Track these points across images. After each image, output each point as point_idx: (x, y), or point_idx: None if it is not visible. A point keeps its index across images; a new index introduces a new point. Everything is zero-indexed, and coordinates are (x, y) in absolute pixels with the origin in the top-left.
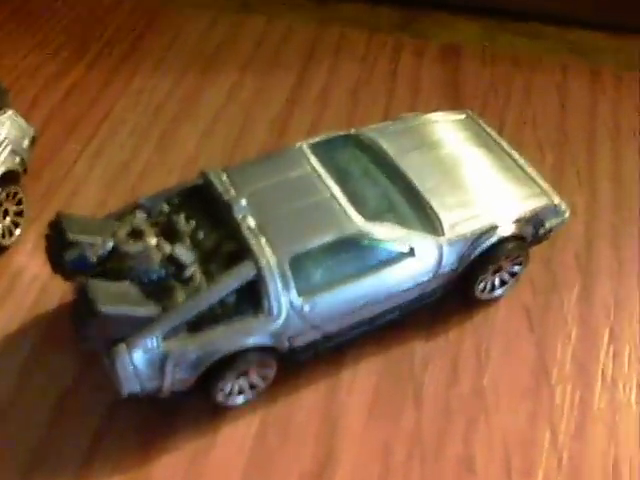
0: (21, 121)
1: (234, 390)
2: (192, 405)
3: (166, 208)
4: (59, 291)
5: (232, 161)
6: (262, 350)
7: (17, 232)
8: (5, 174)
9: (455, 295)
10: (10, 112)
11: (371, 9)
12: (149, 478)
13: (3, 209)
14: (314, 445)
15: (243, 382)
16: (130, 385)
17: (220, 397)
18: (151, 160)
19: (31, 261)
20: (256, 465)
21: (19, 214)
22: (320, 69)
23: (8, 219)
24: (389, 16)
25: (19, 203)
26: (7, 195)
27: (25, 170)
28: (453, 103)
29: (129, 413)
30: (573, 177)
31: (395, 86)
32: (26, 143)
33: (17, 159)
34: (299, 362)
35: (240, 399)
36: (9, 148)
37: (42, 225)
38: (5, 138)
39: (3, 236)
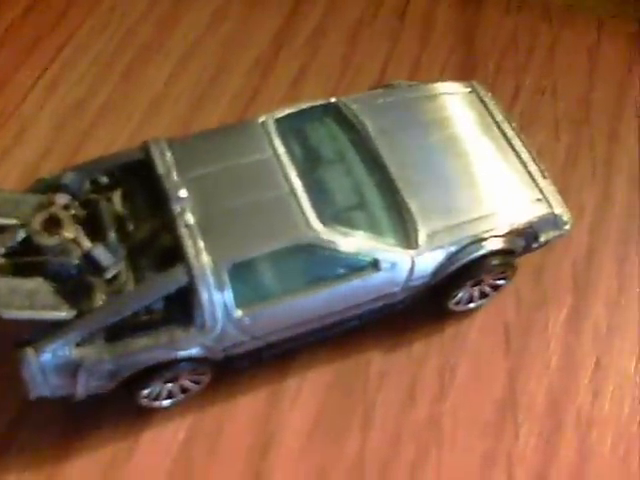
0: None
1: (162, 394)
2: (115, 403)
3: (103, 182)
4: None
5: (201, 108)
6: (193, 360)
7: None
8: None
9: (422, 306)
10: None
11: None
12: (63, 478)
13: None
14: (243, 462)
15: (172, 386)
16: (38, 389)
17: (145, 402)
18: (110, 99)
19: None
20: (178, 475)
21: None
22: (316, 2)
23: None
24: None
25: None
26: None
27: None
28: (465, 58)
29: (44, 409)
30: (587, 166)
31: (402, 30)
32: None
33: None
34: (239, 369)
35: (168, 402)
36: None
37: None
38: None
39: None
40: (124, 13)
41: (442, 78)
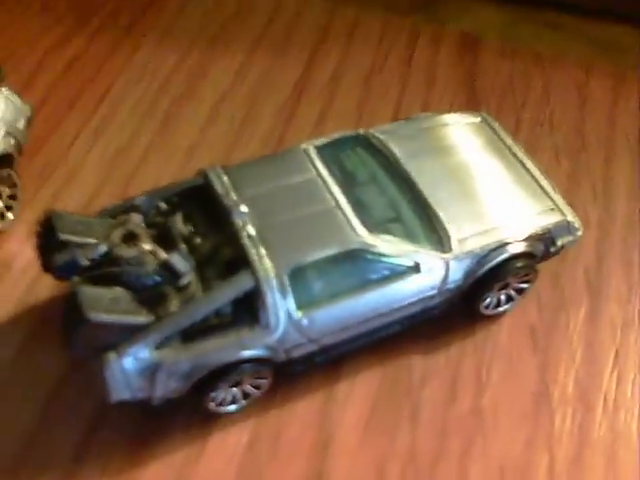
0: (16, 100)
1: (226, 399)
2: (184, 411)
3: (163, 208)
4: (51, 284)
5: (236, 148)
6: (257, 361)
7: (10, 216)
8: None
9: (458, 309)
10: (5, 90)
11: None
12: None
13: None
14: (305, 460)
15: (236, 391)
16: (119, 393)
17: (212, 406)
18: (152, 143)
19: (24, 247)
20: (245, 476)
21: (12, 197)
22: (332, 53)
23: (1, 203)
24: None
25: (13, 186)
26: (0, 177)
27: (20, 152)
28: (468, 98)
29: (120, 415)
30: (588, 189)
31: (409, 75)
32: (22, 124)
33: (12, 141)
34: (295, 373)
35: (232, 407)
36: (3, 130)
37: (36, 208)
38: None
39: None
40: (157, 67)
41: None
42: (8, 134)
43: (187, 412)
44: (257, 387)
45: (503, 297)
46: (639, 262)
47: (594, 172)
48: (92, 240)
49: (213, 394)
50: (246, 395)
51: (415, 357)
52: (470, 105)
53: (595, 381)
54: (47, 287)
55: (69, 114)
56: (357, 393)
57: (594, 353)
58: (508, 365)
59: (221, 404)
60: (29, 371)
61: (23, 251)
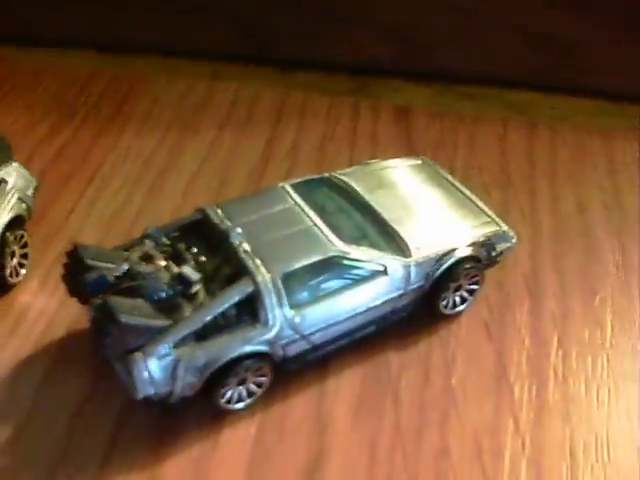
0: (25, 172)
1: (234, 397)
2: (196, 411)
3: (170, 238)
4: (65, 322)
5: None
6: (259, 357)
7: (23, 272)
8: (13, 219)
9: (422, 314)
10: (15, 164)
11: (328, 76)
12: (161, 474)
13: (11, 251)
14: (307, 444)
15: (242, 390)
16: (145, 389)
17: (222, 403)
18: (141, 208)
19: (36, 298)
20: (257, 462)
21: (24, 256)
22: (288, 128)
23: (15, 260)
24: (345, 82)
25: (24, 246)
26: (14, 238)
27: (30, 216)
28: (407, 153)
29: (140, 419)
30: (517, 213)
31: (356, 140)
32: (30, 191)
33: (23, 205)
34: (290, 371)
35: (240, 405)
36: (16, 196)
37: (44, 267)
38: (13, 187)
39: (10, 276)
40: (140, 148)
41: None
42: (20, 200)
43: (199, 412)
44: (259, 385)
45: (458, 299)
46: (568, 266)
47: (520, 200)
48: (112, 265)
49: (223, 390)
50: (250, 394)
51: (390, 353)
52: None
53: (544, 359)
54: (60, 328)
55: (65, 190)
56: (344, 387)
57: (540, 339)
58: (469, 354)
59: (229, 402)
60: (54, 394)
61: (35, 301)
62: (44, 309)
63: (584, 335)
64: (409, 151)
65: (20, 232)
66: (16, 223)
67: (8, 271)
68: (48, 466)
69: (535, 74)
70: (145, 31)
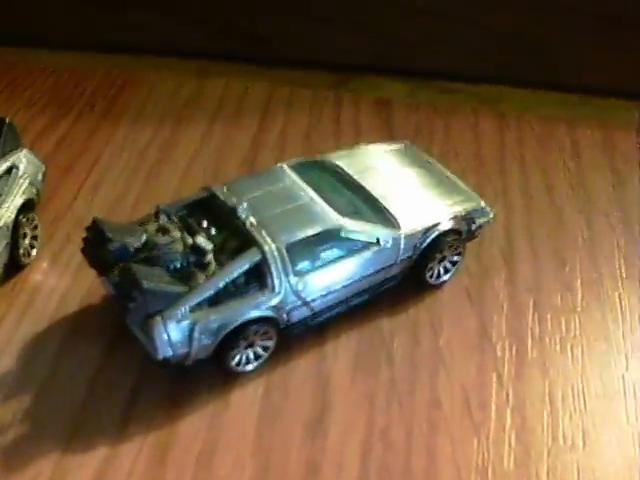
0: (34, 158)
1: (242, 360)
2: (208, 374)
3: (180, 214)
4: (77, 298)
5: None
6: (266, 321)
7: (34, 252)
8: (26, 202)
9: (410, 283)
10: (25, 150)
11: (311, 73)
12: (177, 432)
13: (23, 232)
14: (311, 400)
15: (250, 352)
16: (164, 350)
17: (233, 365)
18: (140, 195)
19: (48, 277)
20: (265, 418)
21: (34, 238)
22: (276, 120)
23: (27, 241)
24: (327, 78)
25: (35, 228)
26: (27, 220)
27: (39, 200)
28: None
29: (155, 384)
30: (491, 193)
31: (340, 130)
32: (40, 176)
33: (34, 189)
34: (293, 335)
35: (249, 367)
36: (28, 180)
37: (53, 247)
38: (24, 172)
39: (23, 256)
40: (135, 140)
41: None
42: (31, 184)
43: (211, 374)
44: (265, 348)
45: (442, 269)
46: (539, 239)
47: (493, 182)
48: (131, 237)
49: (233, 353)
50: (257, 357)
51: (383, 319)
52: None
53: (522, 321)
54: (73, 303)
55: (67, 179)
56: (342, 350)
57: (517, 303)
58: (454, 317)
59: (239, 364)
60: (70, 363)
61: (47, 279)
62: (55, 286)
63: (557, 300)
64: (390, 139)
65: (31, 215)
66: (28, 206)
67: (21, 251)
68: (69, 429)
69: (504, 70)
70: (137, 31)
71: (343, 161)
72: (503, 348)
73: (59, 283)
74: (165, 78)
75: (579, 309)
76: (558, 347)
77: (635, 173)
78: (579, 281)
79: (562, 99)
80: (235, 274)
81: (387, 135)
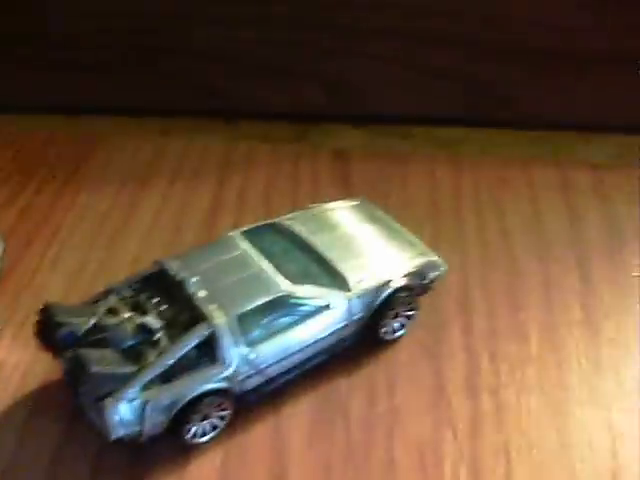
0: None
1: (198, 432)
2: (165, 448)
3: (131, 291)
4: (39, 375)
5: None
6: (219, 393)
7: None
8: None
9: (366, 340)
10: None
11: (269, 126)
12: None
13: None
14: (268, 467)
15: (206, 424)
16: (117, 431)
17: (188, 438)
18: (102, 261)
19: (10, 354)
20: None
21: None
22: (234, 177)
23: None
24: (285, 130)
25: None
26: None
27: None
28: (346, 194)
29: (114, 460)
30: (447, 243)
31: (298, 185)
32: (0, 253)
33: None
34: (249, 404)
35: (205, 438)
36: None
37: (15, 324)
38: None
39: None
40: (96, 206)
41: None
42: None
43: (168, 448)
44: (222, 418)
45: (397, 324)
46: (495, 287)
47: (450, 229)
48: (82, 319)
49: (188, 426)
50: (214, 427)
51: (339, 379)
52: (349, 198)
53: (477, 374)
54: (36, 380)
55: (28, 250)
56: (299, 412)
57: (473, 355)
58: (410, 374)
59: (195, 436)
60: (32, 443)
61: (10, 357)
62: (18, 363)
63: (513, 349)
64: (348, 191)
65: None
66: None
67: None
68: None
69: (458, 111)
70: (95, 93)
71: (297, 223)
72: (459, 402)
73: (21, 359)
74: (127, 139)
75: (534, 357)
76: (513, 398)
77: (591, 211)
78: (534, 328)
79: (518, 138)
80: (185, 350)
81: (344, 188)
